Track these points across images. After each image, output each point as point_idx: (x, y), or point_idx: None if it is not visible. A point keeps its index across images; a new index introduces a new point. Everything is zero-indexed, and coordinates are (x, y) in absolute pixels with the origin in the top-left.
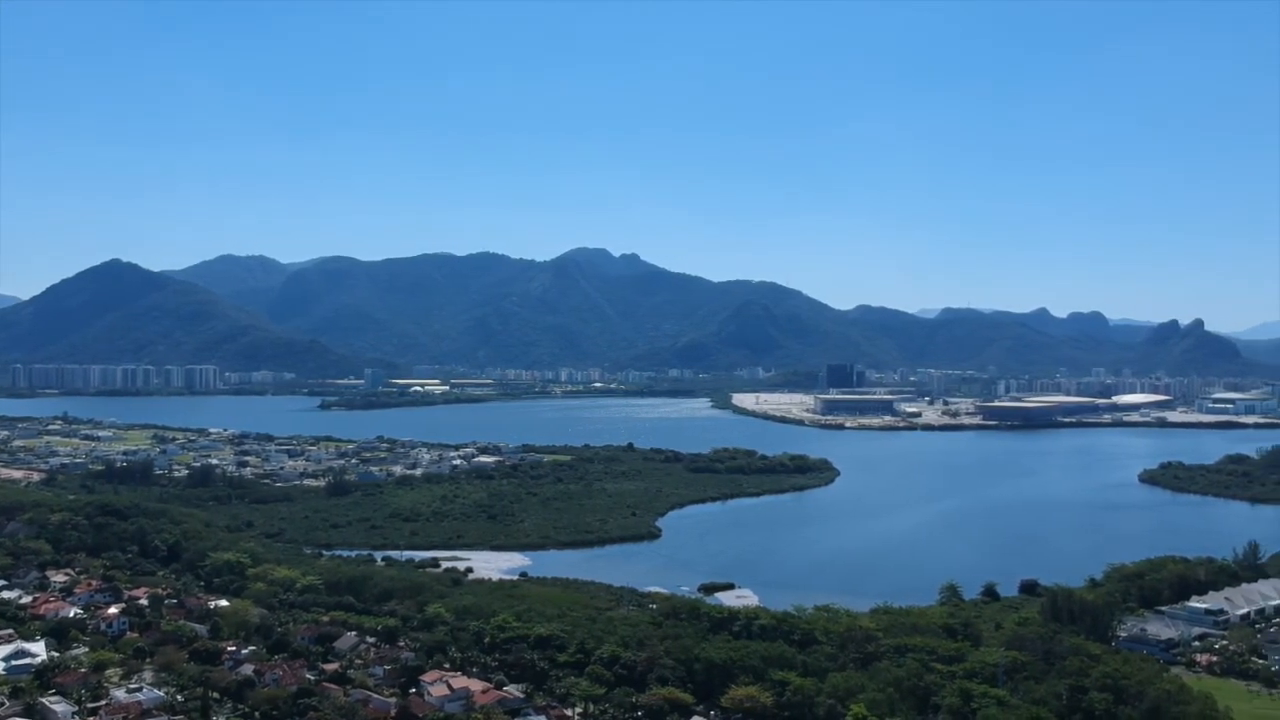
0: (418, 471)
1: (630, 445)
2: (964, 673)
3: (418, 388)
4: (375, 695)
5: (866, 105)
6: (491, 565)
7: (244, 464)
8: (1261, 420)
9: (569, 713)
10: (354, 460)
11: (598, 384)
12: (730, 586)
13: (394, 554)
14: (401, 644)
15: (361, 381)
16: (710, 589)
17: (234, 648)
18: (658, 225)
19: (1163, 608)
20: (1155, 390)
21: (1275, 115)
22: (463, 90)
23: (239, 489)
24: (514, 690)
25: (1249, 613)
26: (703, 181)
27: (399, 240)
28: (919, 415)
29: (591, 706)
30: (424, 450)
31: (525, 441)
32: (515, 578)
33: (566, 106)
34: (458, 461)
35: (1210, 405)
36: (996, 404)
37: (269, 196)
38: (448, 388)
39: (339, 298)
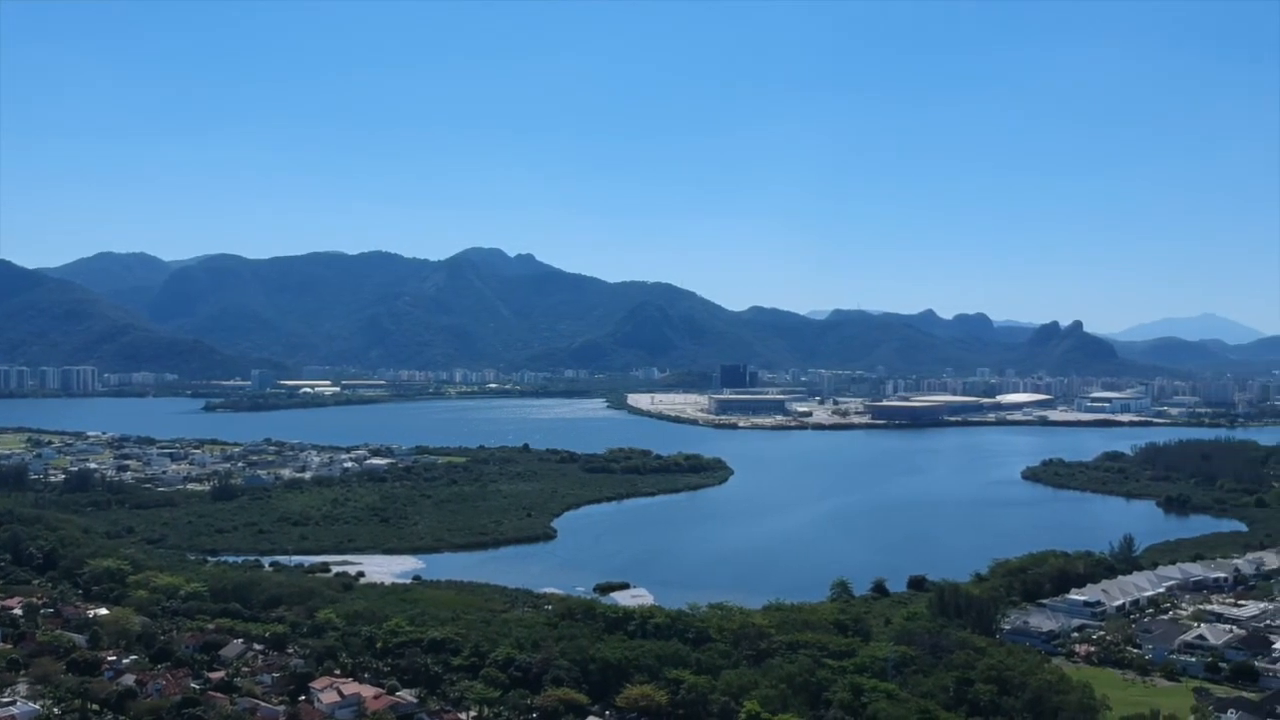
0: (307, 474)
1: (526, 446)
2: (854, 668)
3: (307, 389)
4: (263, 703)
5: (760, 109)
6: (384, 569)
7: (124, 468)
8: (1136, 418)
9: (463, 716)
10: (240, 463)
11: (493, 385)
12: (625, 586)
13: (282, 559)
14: (290, 651)
15: (248, 383)
16: (606, 589)
17: (114, 657)
18: (553, 225)
19: (1044, 601)
20: (1037, 390)
21: (1155, 124)
22: (352, 85)
23: (119, 494)
24: (407, 695)
25: (1124, 604)
26: (599, 182)
27: (287, 238)
28: (810, 415)
29: (486, 710)
30: (314, 453)
31: (419, 443)
32: (408, 581)
33: (460, 103)
34: (349, 464)
35: (1089, 404)
36: (885, 403)
37: (150, 192)
38: (339, 389)
39: (225, 297)
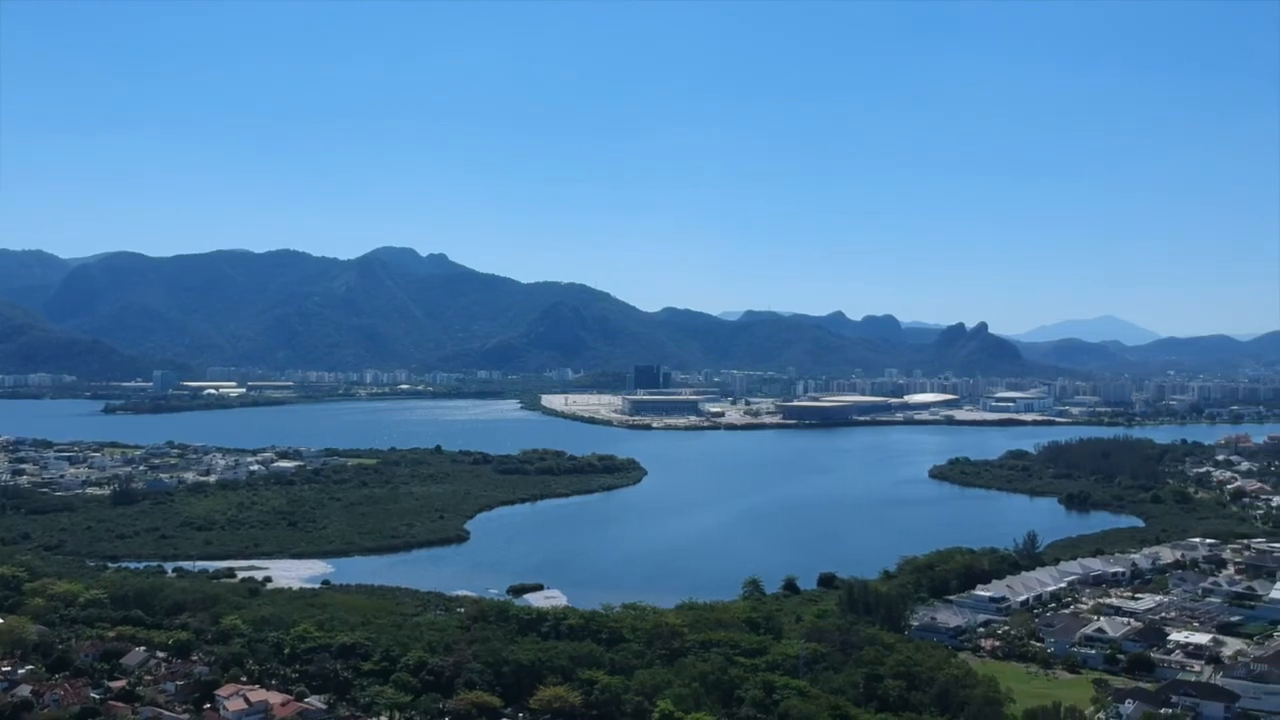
0: (212, 478)
1: (438, 447)
2: (766, 665)
3: (212, 390)
4: (166, 712)
5: (673, 111)
6: (292, 574)
7: (19, 472)
8: (1039, 418)
9: None
10: (142, 467)
11: (404, 386)
12: (539, 587)
13: (186, 565)
14: (195, 658)
15: (150, 384)
16: (519, 590)
17: (9, 668)
18: (467, 225)
19: (951, 597)
20: (944, 390)
21: (1059, 130)
22: (258, 79)
23: (14, 499)
24: (316, 701)
25: (1028, 599)
26: (512, 182)
27: (191, 236)
28: (722, 415)
29: (397, 714)
30: (219, 455)
31: (328, 445)
32: (317, 586)
33: (370, 99)
34: (255, 467)
35: (993, 404)
36: (796, 404)
37: (46, 188)
38: (245, 390)
39: (126, 296)
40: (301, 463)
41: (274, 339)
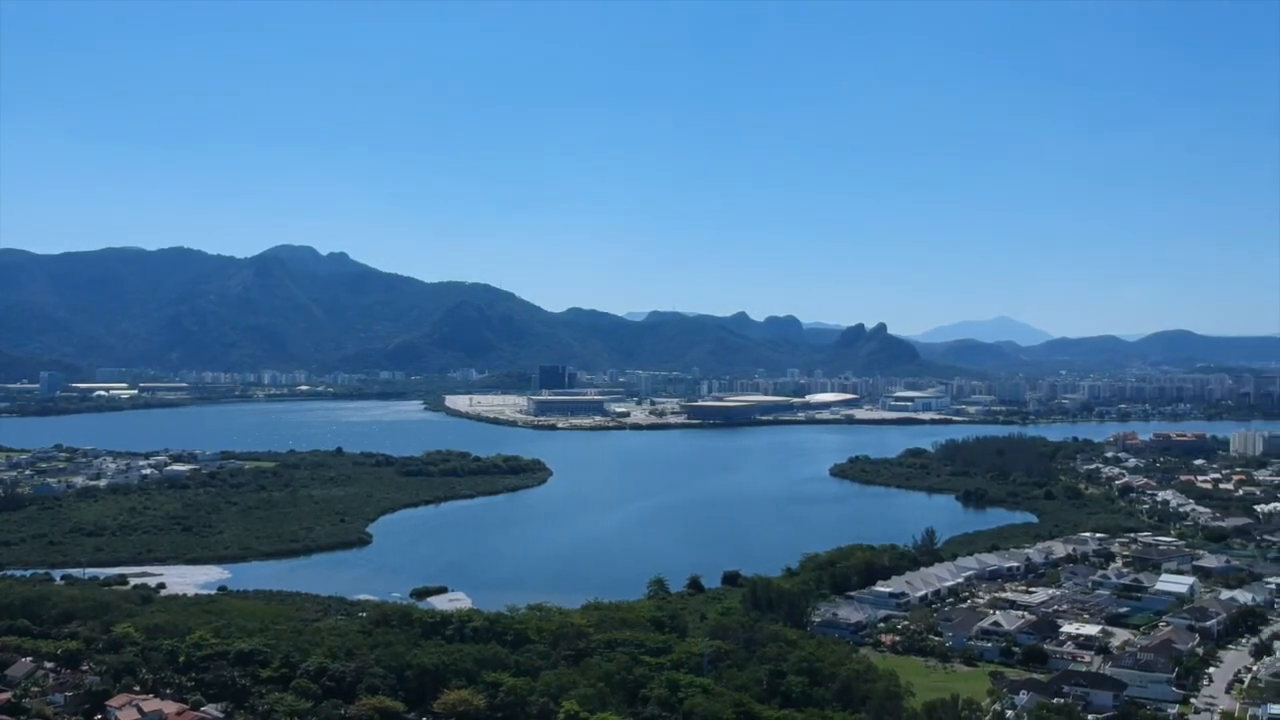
0: (102, 482)
1: (339, 450)
2: (671, 664)
3: (102, 392)
4: None
5: (575, 111)
6: (187, 580)
7: None
8: (937, 416)
9: None
10: (27, 471)
11: (304, 387)
12: (443, 590)
13: (75, 572)
14: (85, 668)
15: (36, 385)
16: (422, 593)
17: None
18: (368, 223)
19: (852, 593)
20: (844, 389)
21: (952, 142)
22: (150, 71)
23: None
24: (212, 710)
25: (927, 594)
26: (414, 180)
27: (80, 233)
28: (628, 415)
29: None
30: (109, 459)
31: (224, 448)
32: (213, 592)
33: (266, 94)
34: (148, 471)
35: (892, 403)
36: (700, 403)
37: None
38: (136, 392)
39: (10, 294)
40: (196, 466)
41: (167, 339)
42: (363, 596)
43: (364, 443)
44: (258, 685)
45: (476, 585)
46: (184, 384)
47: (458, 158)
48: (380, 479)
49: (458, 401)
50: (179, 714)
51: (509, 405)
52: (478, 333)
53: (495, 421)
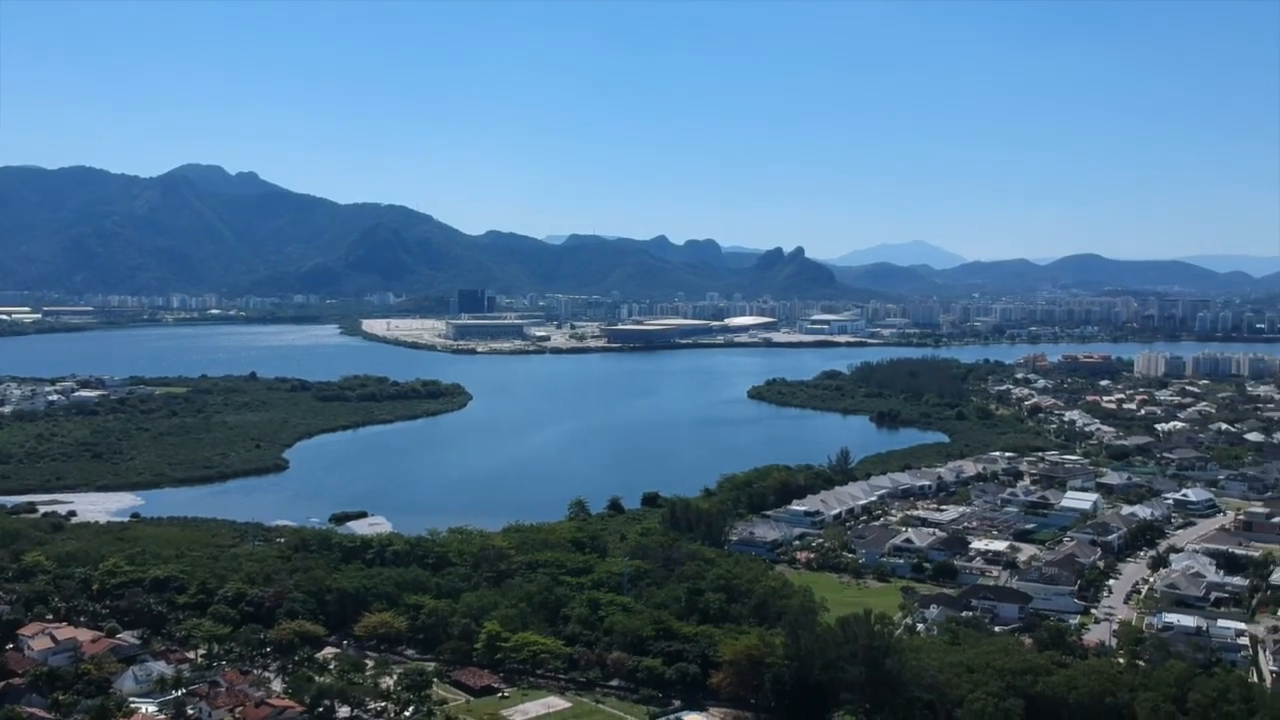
0: (6, 409)
1: (253, 374)
2: (592, 583)
3: (3, 316)
4: None
5: (494, 35)
6: (98, 507)
7: None
8: (852, 339)
9: (191, 655)
10: None
11: (215, 311)
12: (363, 515)
13: None
14: None
15: None
16: (342, 518)
17: None
18: (278, 141)
19: (769, 512)
20: (762, 313)
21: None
22: None
23: None
24: (129, 637)
25: (840, 512)
26: (326, 98)
27: None
28: (548, 339)
29: (216, 646)
30: (13, 385)
31: (133, 373)
32: (126, 519)
33: (169, 2)
34: (54, 397)
35: (809, 326)
36: (620, 327)
37: None
38: (40, 316)
39: None
40: (105, 392)
41: (70, 261)
42: (280, 522)
43: (279, 368)
44: (174, 612)
45: (397, 510)
46: (89, 308)
47: (371, 74)
48: (296, 404)
49: (375, 326)
50: (94, 641)
51: (427, 329)
52: (394, 256)
53: (414, 346)
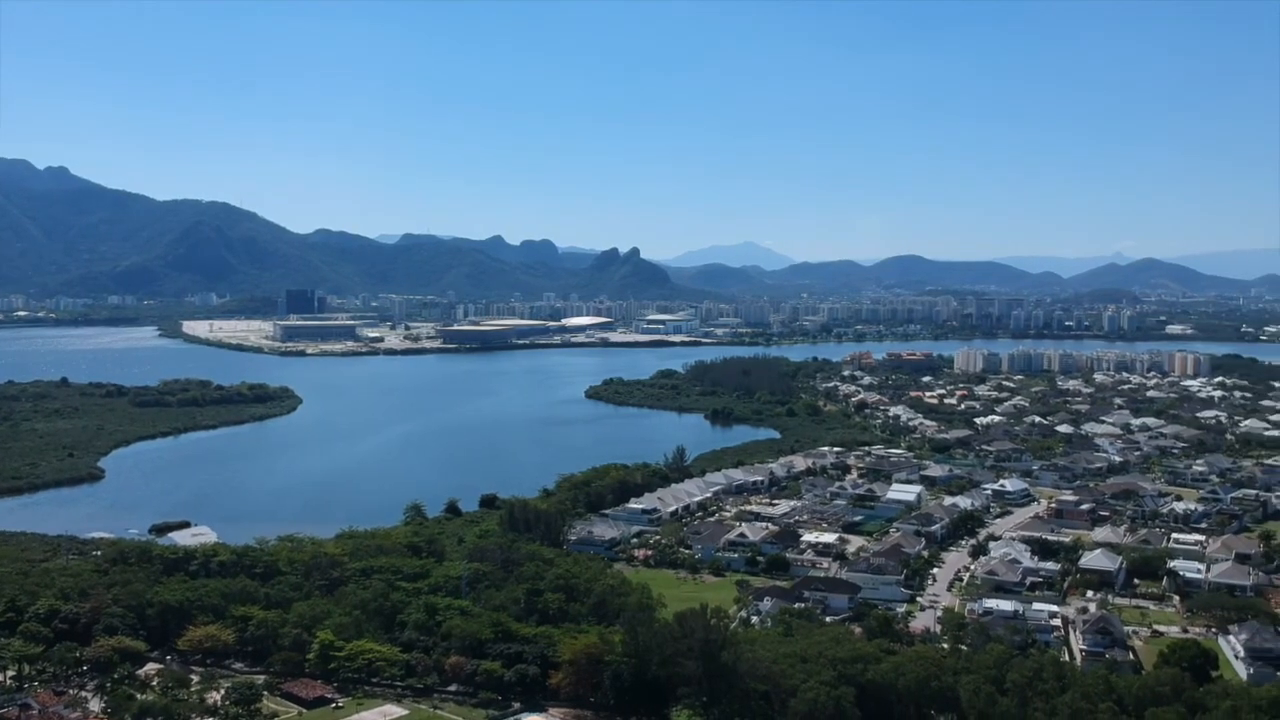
0: None
1: (64, 380)
2: (429, 588)
3: None
4: None
5: (313, 27)
6: None
7: None
8: (687, 339)
9: (1, 676)
10: None
11: (22, 312)
12: (186, 525)
13: None
14: None
15: None
16: (163, 529)
17: None
18: (89, 136)
19: (606, 511)
20: (599, 313)
21: (705, 71)
22: None
23: None
24: None
25: (677, 509)
26: (140, 88)
27: None
28: (381, 340)
29: (26, 667)
30: None
31: None
32: None
33: None
34: None
35: (645, 326)
36: (456, 328)
37: None
38: None
39: None
40: None
41: None
42: (96, 534)
43: (93, 372)
44: None
45: (222, 519)
46: None
47: (186, 66)
48: (112, 410)
49: (196, 327)
50: None
51: (254, 331)
52: (217, 254)
53: (239, 348)
